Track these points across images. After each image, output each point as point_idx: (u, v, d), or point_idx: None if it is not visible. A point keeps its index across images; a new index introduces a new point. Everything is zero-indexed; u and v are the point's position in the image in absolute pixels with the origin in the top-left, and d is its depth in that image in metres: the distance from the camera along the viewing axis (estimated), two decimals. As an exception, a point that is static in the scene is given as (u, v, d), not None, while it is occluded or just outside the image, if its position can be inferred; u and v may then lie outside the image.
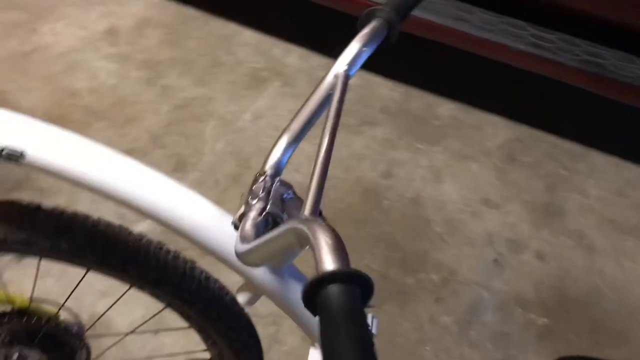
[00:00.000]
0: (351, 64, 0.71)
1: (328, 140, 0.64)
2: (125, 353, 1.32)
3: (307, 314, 0.75)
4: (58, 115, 1.82)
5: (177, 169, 1.72)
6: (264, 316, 1.41)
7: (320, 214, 0.66)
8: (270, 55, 2.01)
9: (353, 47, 0.71)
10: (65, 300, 1.00)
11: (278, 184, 0.66)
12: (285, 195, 0.65)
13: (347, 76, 0.70)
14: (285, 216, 0.64)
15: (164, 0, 2.12)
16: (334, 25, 2.00)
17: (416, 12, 1.61)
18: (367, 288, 0.45)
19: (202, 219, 0.70)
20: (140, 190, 0.69)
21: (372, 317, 0.81)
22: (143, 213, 0.69)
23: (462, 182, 1.76)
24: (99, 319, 1.06)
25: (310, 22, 2.06)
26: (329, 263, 0.47)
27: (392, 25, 0.73)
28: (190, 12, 2.10)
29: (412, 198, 1.72)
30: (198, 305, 0.89)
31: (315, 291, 0.43)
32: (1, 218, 0.78)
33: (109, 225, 0.84)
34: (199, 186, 1.69)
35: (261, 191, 0.65)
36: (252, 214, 0.63)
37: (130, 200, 0.68)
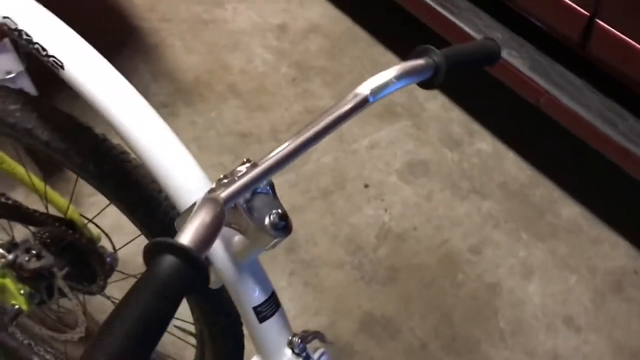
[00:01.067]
0: (377, 90, 0.68)
1: (300, 144, 0.62)
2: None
3: (254, 319, 0.73)
4: (205, 82, 1.96)
5: (279, 165, 1.76)
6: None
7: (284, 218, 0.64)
8: (413, 95, 1.99)
9: (388, 74, 0.68)
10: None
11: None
12: (259, 189, 0.64)
13: (365, 100, 0.67)
14: (243, 205, 0.63)
15: (340, 14, 2.20)
16: (491, 91, 1.93)
17: (566, 99, 1.50)
18: (200, 278, 0.43)
19: (183, 177, 0.71)
20: (143, 137, 0.72)
21: (322, 354, 0.76)
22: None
23: (551, 290, 1.59)
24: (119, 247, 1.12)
25: (468, 78, 2.01)
26: (184, 235, 0.46)
27: (438, 71, 0.69)
28: (358, 31, 2.15)
29: (490, 283, 1.59)
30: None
31: (154, 251, 0.42)
32: (53, 124, 0.86)
33: (137, 166, 0.89)
34: (290, 187, 1.73)
35: (238, 175, 0.64)
36: (218, 192, 0.62)
37: (130, 142, 0.71)
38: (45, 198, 1.09)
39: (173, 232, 0.79)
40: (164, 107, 1.86)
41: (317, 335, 0.74)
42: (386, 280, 1.58)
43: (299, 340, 0.73)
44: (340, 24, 2.17)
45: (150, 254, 0.42)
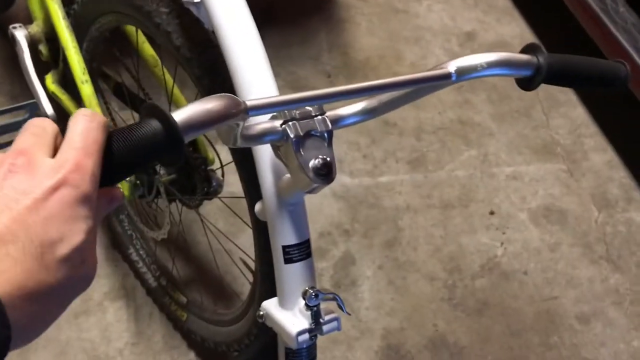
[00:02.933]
0: (463, 70, 0.63)
1: (358, 89, 0.60)
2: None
3: (280, 258, 0.74)
4: (374, 64, 1.98)
5: (412, 162, 1.74)
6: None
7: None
8: (580, 141, 1.83)
9: (481, 57, 0.64)
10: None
11: (322, 119, 0.64)
12: (314, 132, 0.64)
13: (447, 76, 0.63)
14: (294, 140, 0.63)
15: (534, 37, 2.09)
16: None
17: None
18: (172, 150, 0.44)
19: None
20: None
21: (334, 319, 0.75)
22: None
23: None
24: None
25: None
26: (181, 110, 0.47)
27: (538, 72, 0.63)
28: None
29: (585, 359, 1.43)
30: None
31: (145, 111, 0.45)
32: (188, 33, 0.94)
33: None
34: (414, 187, 1.69)
35: (300, 114, 0.64)
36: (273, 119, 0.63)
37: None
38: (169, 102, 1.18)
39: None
40: (326, 77, 1.91)
41: (336, 297, 0.73)
42: (473, 311, 1.49)
43: (314, 295, 0.72)
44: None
45: (142, 113, 0.45)
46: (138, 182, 1.19)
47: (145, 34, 1.17)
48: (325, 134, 0.65)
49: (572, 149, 1.81)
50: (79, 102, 1.23)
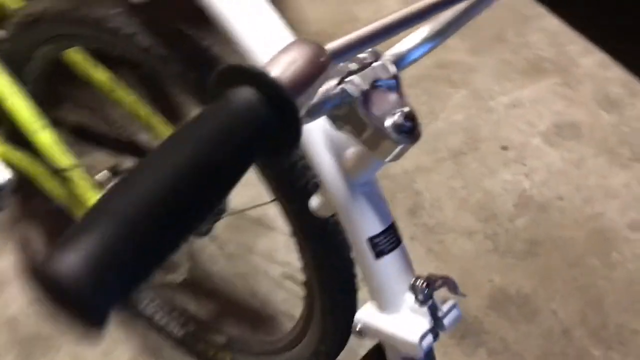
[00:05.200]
0: None
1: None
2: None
3: (368, 254, 0.59)
4: (329, 34, 1.84)
5: (405, 121, 1.60)
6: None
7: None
8: (563, 50, 1.73)
9: None
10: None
11: (382, 65, 0.50)
12: (379, 82, 0.50)
13: None
14: (361, 98, 0.48)
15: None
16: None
17: None
18: (290, 126, 0.29)
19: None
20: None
21: (453, 306, 0.60)
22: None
23: None
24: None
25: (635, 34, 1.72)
26: (271, 66, 0.32)
27: None
28: None
29: (653, 267, 1.33)
30: (297, 205, 0.78)
31: (226, 77, 0.29)
32: (154, 30, 0.77)
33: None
34: (416, 146, 1.56)
35: (361, 62, 0.50)
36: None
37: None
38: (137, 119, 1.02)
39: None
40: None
41: (447, 281, 0.59)
42: (524, 254, 1.37)
43: (424, 285, 0.58)
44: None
45: (220, 82, 0.28)
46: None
47: (95, 54, 0.99)
48: (394, 82, 0.51)
49: (559, 60, 1.72)
50: (38, 156, 1.05)
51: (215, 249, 1.14)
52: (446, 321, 0.59)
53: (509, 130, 1.58)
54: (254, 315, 1.26)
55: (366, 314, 0.62)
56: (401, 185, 1.49)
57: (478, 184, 1.49)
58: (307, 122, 0.47)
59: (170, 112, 1.65)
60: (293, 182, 0.76)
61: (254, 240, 1.33)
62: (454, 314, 0.60)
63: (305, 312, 0.94)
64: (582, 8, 1.79)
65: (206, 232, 1.08)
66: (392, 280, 0.59)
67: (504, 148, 1.55)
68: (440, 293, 0.61)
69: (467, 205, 1.45)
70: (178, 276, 1.03)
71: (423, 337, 0.57)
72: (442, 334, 0.59)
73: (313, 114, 0.47)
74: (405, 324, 0.58)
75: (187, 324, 1.20)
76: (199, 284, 1.27)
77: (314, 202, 0.63)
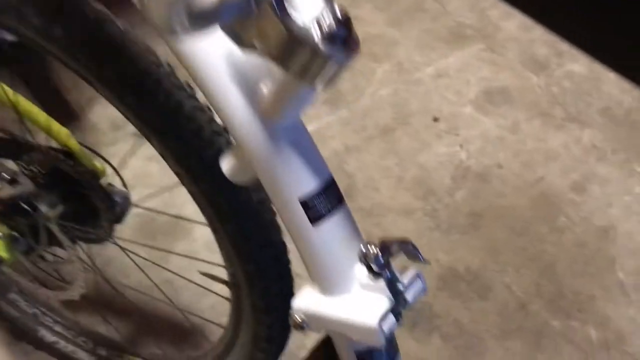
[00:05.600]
0: None
1: None
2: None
3: (302, 221, 0.45)
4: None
5: (328, 101, 1.48)
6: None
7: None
8: (484, 15, 1.66)
9: None
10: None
11: None
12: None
13: None
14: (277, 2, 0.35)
15: None
16: (578, 3, 1.61)
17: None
18: None
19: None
20: None
21: (416, 276, 0.47)
22: None
23: (681, 231, 1.25)
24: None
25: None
26: None
27: None
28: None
29: (601, 227, 1.26)
30: (207, 182, 0.63)
31: None
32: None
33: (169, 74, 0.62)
34: (342, 125, 1.44)
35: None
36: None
37: None
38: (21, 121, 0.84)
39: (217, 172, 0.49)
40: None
41: (404, 245, 0.46)
42: (468, 228, 1.27)
43: (378, 251, 0.44)
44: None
45: None
46: (15, 233, 0.83)
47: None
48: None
49: (481, 25, 1.64)
50: None
51: (124, 258, 0.96)
52: (409, 295, 0.46)
53: (438, 101, 1.48)
54: (176, 330, 1.09)
55: (306, 300, 0.48)
56: (332, 168, 1.35)
57: (412, 160, 1.38)
58: (199, 29, 0.33)
59: (62, 111, 1.45)
60: (198, 151, 0.60)
61: (171, 244, 1.16)
62: (417, 285, 0.47)
63: (233, 315, 0.79)
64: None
65: (107, 236, 0.90)
66: (335, 251, 0.45)
67: (435, 120, 1.45)
68: (398, 263, 0.48)
69: (402, 183, 1.34)
70: (74, 292, 0.85)
71: (383, 318, 0.44)
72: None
73: (205, 19, 0.33)
74: (358, 305, 0.45)
75: (97, 348, 1.02)
76: (109, 301, 1.09)
77: (226, 164, 0.49)
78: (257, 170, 0.44)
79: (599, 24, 1.61)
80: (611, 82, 1.51)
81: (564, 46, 1.58)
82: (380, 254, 0.44)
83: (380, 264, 0.44)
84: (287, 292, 0.72)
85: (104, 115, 1.46)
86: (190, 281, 0.82)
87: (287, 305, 0.71)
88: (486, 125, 1.44)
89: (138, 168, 1.36)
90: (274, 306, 0.71)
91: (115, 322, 1.08)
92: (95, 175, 0.88)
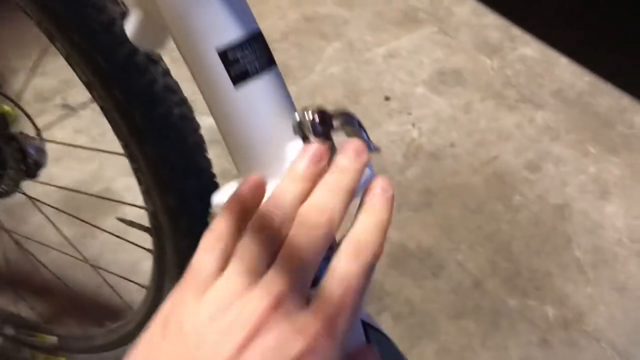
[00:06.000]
0: None
1: None
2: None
3: (221, 80, 0.36)
4: None
5: (275, 77, 1.40)
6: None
7: None
8: (437, 0, 1.63)
9: None
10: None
11: None
12: None
13: None
14: None
15: None
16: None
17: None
18: None
19: None
20: None
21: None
22: None
23: (637, 211, 1.22)
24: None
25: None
26: None
27: None
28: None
29: (557, 205, 1.22)
30: (119, 89, 0.53)
31: None
32: None
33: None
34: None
35: None
36: None
37: None
38: None
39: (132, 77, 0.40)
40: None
41: (348, 118, 0.37)
42: (420, 205, 1.21)
43: (316, 118, 0.36)
44: None
45: None
46: None
47: None
48: None
49: (433, 9, 1.61)
50: None
51: (43, 236, 0.85)
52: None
53: (390, 80, 1.43)
54: (95, 301, 0.97)
55: (229, 192, 0.39)
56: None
57: (363, 137, 1.31)
58: None
59: None
60: (109, 48, 0.51)
61: (97, 218, 1.05)
62: (365, 174, 0.38)
63: (156, 269, 0.69)
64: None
65: (13, 190, 0.79)
66: (263, 122, 0.37)
67: (387, 99, 1.39)
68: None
69: (353, 160, 1.27)
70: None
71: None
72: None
73: None
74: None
75: (4, 327, 0.89)
76: (25, 279, 0.97)
77: (130, 23, 0.40)
78: (167, 17, 0.36)
79: (551, 14, 1.60)
80: (563, 66, 1.48)
81: (517, 31, 1.55)
82: (319, 120, 0.36)
83: (319, 132, 0.36)
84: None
85: (30, 86, 1.34)
86: (105, 231, 0.72)
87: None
88: (439, 105, 1.39)
89: (65, 140, 1.25)
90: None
91: (30, 299, 0.96)
92: (5, 120, 0.77)
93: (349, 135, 0.39)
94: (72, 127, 1.26)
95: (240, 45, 0.36)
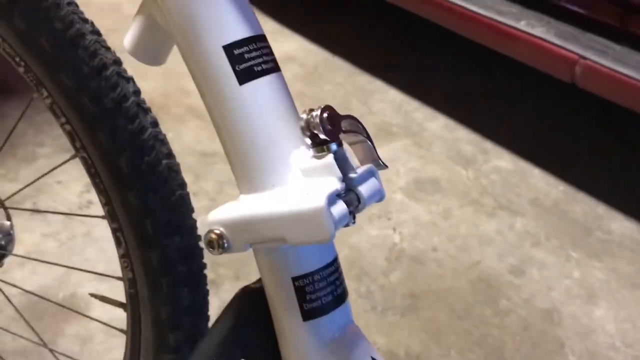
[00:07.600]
0: None
1: None
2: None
3: (230, 83, 0.34)
4: (160, 104, 1.64)
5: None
6: None
7: None
8: (410, 117, 1.69)
9: None
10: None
11: None
12: None
13: None
14: None
15: (317, 48, 1.95)
16: (499, 108, 1.68)
17: (608, 61, 1.22)
18: None
19: None
20: None
21: (368, 172, 0.36)
22: None
23: (626, 314, 1.18)
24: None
25: (469, 95, 1.73)
26: None
27: None
28: (338, 63, 1.89)
29: (545, 310, 1.18)
30: (104, 133, 0.51)
31: None
32: None
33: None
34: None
35: None
36: None
37: None
38: None
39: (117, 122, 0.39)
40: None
41: (352, 122, 0.36)
42: (405, 309, 1.15)
43: (324, 117, 0.34)
44: (316, 55, 1.92)
45: None
46: None
47: None
48: None
49: (407, 125, 1.66)
50: None
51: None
52: (363, 189, 0.34)
53: (368, 188, 1.43)
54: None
55: (226, 209, 0.36)
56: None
57: (344, 241, 1.28)
58: None
59: None
60: (94, 92, 0.49)
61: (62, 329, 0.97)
62: (372, 184, 0.36)
63: (129, 348, 0.62)
64: (417, 76, 1.80)
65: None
66: (269, 123, 0.34)
67: (366, 205, 1.38)
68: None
69: (333, 264, 1.23)
70: None
71: (331, 200, 0.32)
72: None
73: None
74: (298, 193, 0.33)
75: None
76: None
77: (129, 36, 0.38)
78: (174, 16, 0.34)
79: (520, 125, 1.66)
80: (537, 176, 1.51)
81: (488, 145, 1.60)
82: (329, 122, 0.34)
83: (327, 130, 0.33)
84: (199, 306, 0.57)
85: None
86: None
87: (197, 319, 0.56)
88: (418, 211, 1.38)
89: (33, 245, 1.18)
90: (180, 320, 0.56)
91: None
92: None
93: (353, 144, 0.36)
94: (40, 231, 1.21)
95: (246, 44, 0.34)
